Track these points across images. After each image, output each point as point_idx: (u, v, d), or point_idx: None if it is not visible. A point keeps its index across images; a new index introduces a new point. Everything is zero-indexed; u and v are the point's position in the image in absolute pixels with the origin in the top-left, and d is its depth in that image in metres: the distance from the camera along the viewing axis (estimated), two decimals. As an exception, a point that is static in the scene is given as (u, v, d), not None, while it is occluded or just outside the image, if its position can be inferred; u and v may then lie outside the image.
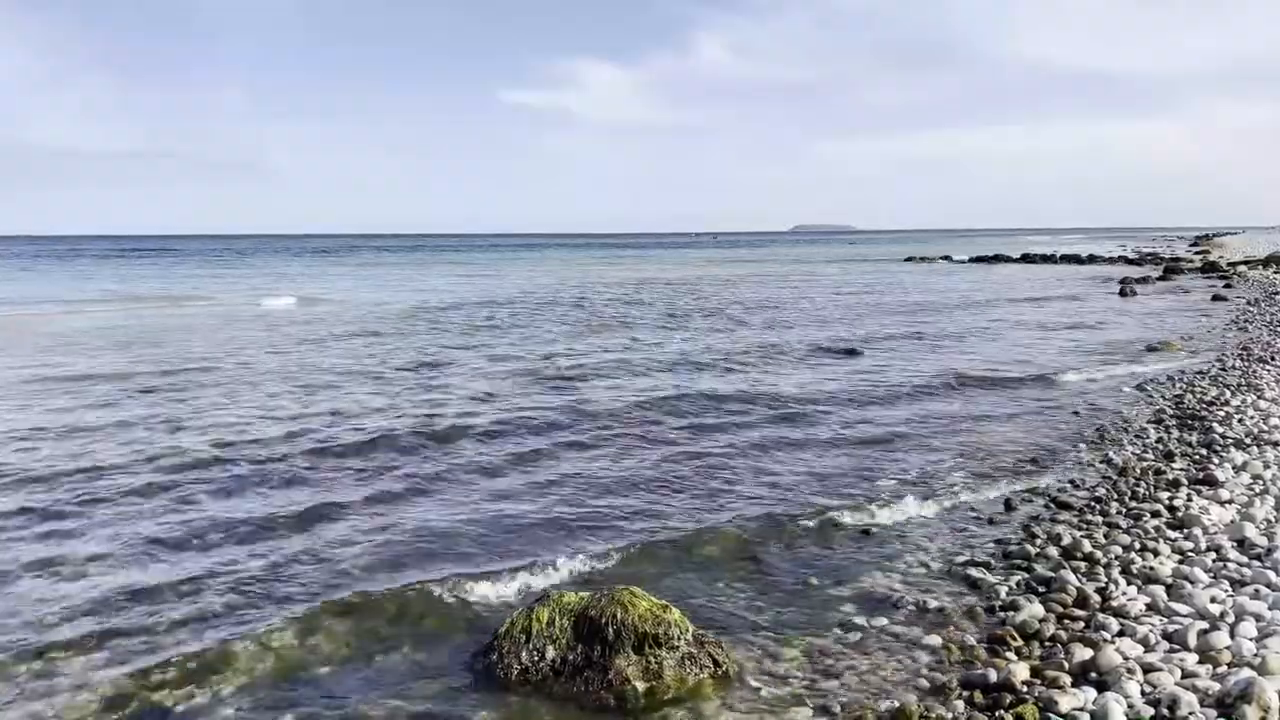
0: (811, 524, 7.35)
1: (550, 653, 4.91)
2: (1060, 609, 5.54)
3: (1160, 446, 9.51)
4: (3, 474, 8.63)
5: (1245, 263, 44.44)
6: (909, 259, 67.22)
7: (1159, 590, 5.65)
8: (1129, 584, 5.82)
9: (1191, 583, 5.76)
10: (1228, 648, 4.80)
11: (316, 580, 6.26)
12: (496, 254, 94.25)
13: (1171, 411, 11.23)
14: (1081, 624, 5.32)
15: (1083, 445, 9.74)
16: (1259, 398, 11.61)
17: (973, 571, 6.28)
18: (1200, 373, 14.06)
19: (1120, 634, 5.11)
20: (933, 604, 5.75)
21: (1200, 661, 4.72)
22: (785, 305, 29.07)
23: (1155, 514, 7.19)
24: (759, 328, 22.23)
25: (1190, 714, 4.15)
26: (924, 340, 19.39)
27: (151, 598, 5.94)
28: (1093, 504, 7.67)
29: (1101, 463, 9.01)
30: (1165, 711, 4.23)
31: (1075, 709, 4.30)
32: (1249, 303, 26.14)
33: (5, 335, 20.68)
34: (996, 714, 4.33)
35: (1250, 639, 4.88)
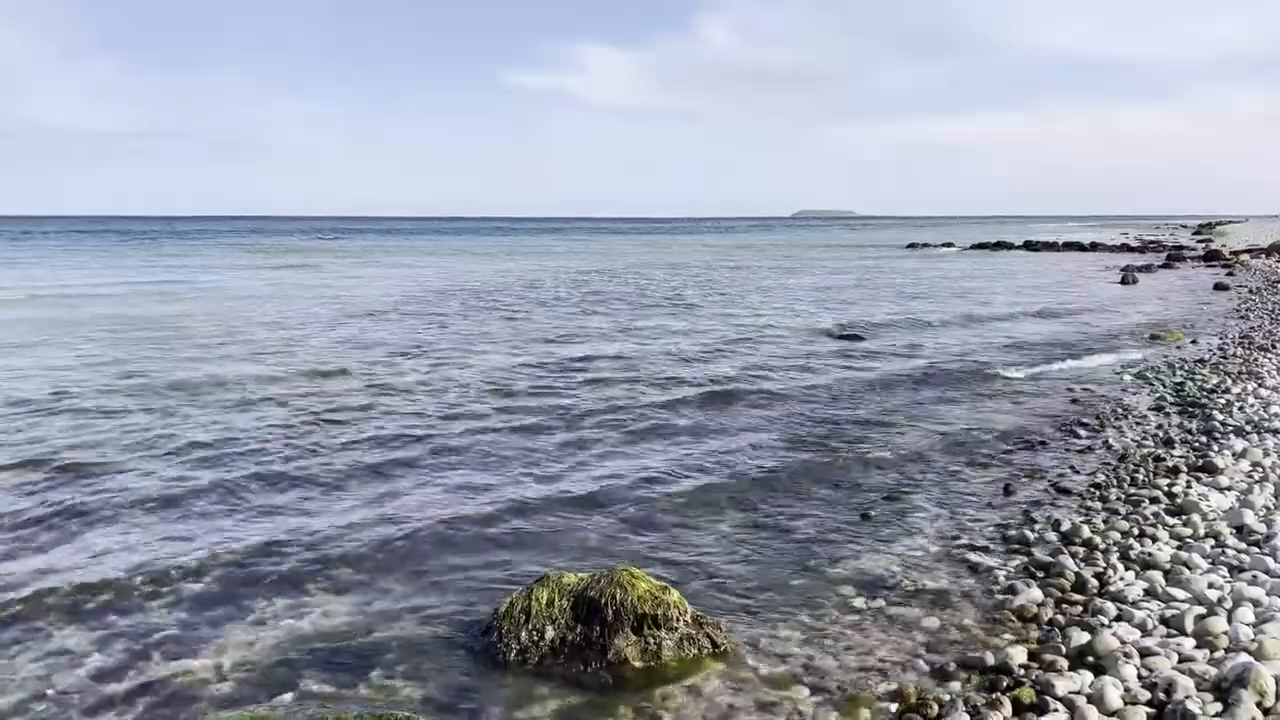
0: (809, 506, 7.36)
1: (549, 633, 4.93)
2: (1058, 593, 5.56)
3: (1160, 433, 9.52)
4: None
5: (1248, 251, 44.34)
6: (911, 245, 67.07)
7: (1157, 576, 5.67)
8: (1127, 569, 5.84)
9: (1190, 568, 5.77)
10: (1225, 633, 4.82)
11: (312, 557, 6.27)
12: (472, 239, 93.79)
13: (1172, 398, 11.23)
14: (1079, 608, 5.34)
15: (1082, 431, 9.74)
16: (1259, 385, 11.61)
17: (972, 555, 6.29)
18: (1201, 360, 14.06)
19: (1118, 618, 5.13)
20: (931, 586, 5.76)
21: (1197, 646, 4.74)
22: (786, 291, 29.05)
23: (1154, 500, 7.20)
24: (769, 312, 22.21)
25: (1187, 698, 4.16)
26: (925, 326, 19.36)
27: (144, 576, 5.96)
28: (1092, 489, 7.68)
29: (1101, 448, 9.01)
30: (1162, 695, 4.24)
31: (1072, 692, 4.32)
32: (1251, 291, 26.12)
33: None
34: (994, 696, 4.34)
35: (1248, 624, 4.90)
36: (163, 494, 7.55)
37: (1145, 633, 4.94)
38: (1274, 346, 15.12)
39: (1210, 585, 5.44)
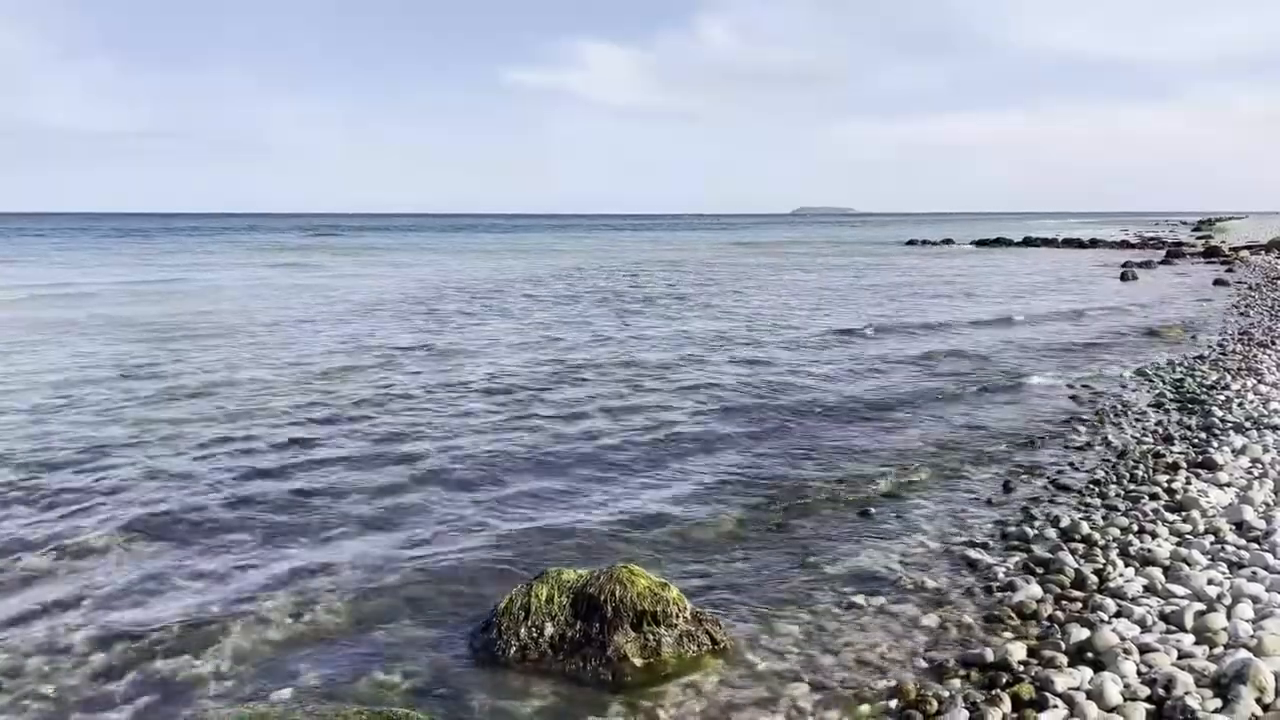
0: (809, 504, 7.36)
1: (549, 629, 4.93)
2: (1058, 590, 5.55)
3: (1160, 430, 9.51)
4: None
5: (1247, 247, 44.33)
6: (910, 242, 67.11)
7: (1157, 572, 5.66)
8: (1127, 565, 5.83)
9: (1189, 565, 5.76)
10: (1224, 629, 4.81)
11: (312, 555, 6.28)
12: (473, 236, 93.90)
13: (1171, 395, 11.23)
14: (1079, 605, 5.33)
15: (1081, 428, 9.74)
16: (1259, 382, 11.60)
17: (971, 552, 6.28)
18: (1200, 357, 14.06)
19: (1117, 615, 5.12)
20: (931, 584, 5.76)
21: (1197, 642, 4.73)
22: (786, 288, 29.04)
23: (1154, 496, 7.19)
24: (768, 310, 22.21)
25: (1186, 694, 4.16)
26: (924, 323, 19.35)
27: (143, 575, 5.96)
28: (1091, 486, 7.67)
29: (1100, 445, 9.01)
30: (1161, 691, 4.24)
31: (1071, 688, 4.31)
32: (1250, 287, 26.10)
33: None
34: (993, 693, 4.34)
35: (1247, 620, 4.89)
36: (160, 494, 7.55)
37: (1145, 629, 4.94)
38: (1273, 343, 15.11)
39: (1210, 581, 5.43)
